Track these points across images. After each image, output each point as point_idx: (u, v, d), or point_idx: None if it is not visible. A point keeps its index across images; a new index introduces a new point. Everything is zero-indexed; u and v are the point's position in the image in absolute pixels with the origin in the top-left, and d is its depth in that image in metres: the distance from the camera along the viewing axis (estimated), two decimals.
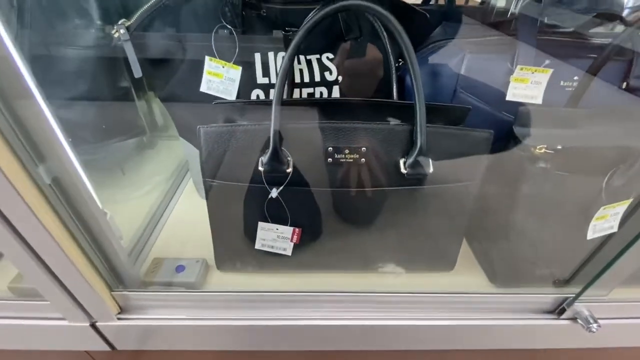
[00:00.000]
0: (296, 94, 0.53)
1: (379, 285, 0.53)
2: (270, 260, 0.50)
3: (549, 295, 0.50)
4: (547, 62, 0.51)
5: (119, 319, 0.48)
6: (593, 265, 0.48)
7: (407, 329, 0.49)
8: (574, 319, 0.49)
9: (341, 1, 0.41)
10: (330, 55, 0.54)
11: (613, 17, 0.52)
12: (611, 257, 0.44)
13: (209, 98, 0.51)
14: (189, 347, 0.51)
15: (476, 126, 0.47)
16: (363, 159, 0.42)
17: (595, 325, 0.47)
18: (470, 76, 0.54)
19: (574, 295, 0.48)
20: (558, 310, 0.50)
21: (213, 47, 0.49)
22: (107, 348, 0.51)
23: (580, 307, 0.48)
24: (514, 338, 0.52)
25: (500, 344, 0.53)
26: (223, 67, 0.50)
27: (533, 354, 0.56)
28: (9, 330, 0.48)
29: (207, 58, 0.49)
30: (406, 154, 0.42)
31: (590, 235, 0.44)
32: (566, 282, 0.51)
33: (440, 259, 0.52)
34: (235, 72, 0.50)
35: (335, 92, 0.55)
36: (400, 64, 0.60)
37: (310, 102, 0.47)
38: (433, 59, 0.57)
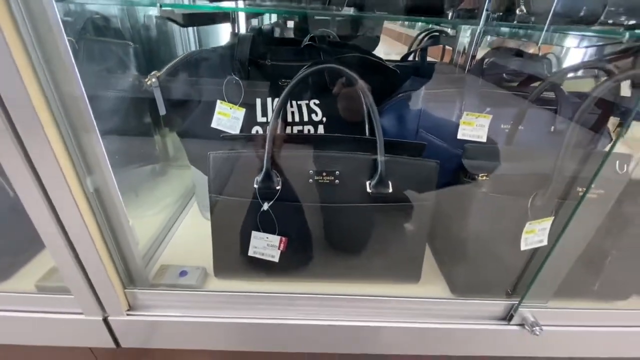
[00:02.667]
0: (288, 130, 0.65)
1: (353, 290, 0.61)
2: (259, 269, 0.59)
3: (500, 303, 0.58)
4: (488, 109, 0.64)
5: (128, 314, 0.55)
6: (533, 274, 0.57)
7: (370, 330, 0.56)
8: (521, 324, 0.57)
9: (324, 64, 0.55)
10: (317, 101, 0.67)
11: (538, 78, 0.66)
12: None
13: (218, 132, 0.63)
14: (186, 345, 0.58)
15: (436, 158, 0.59)
16: (337, 180, 0.52)
17: (537, 328, 0.54)
18: (429, 119, 0.67)
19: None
20: (508, 316, 0.58)
21: (224, 93, 0.63)
22: (112, 345, 0.58)
23: (525, 312, 0.56)
24: (472, 344, 0.59)
25: (458, 350, 0.60)
26: (230, 108, 0.63)
27: None
28: (30, 323, 0.56)
29: (218, 101, 0.62)
30: (371, 177, 0.53)
31: (523, 247, 0.53)
32: (513, 291, 0.59)
33: (406, 271, 0.61)
34: (240, 113, 0.63)
35: (321, 130, 0.67)
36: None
37: (297, 136, 0.59)
38: (401, 105, 0.70)
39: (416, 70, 0.86)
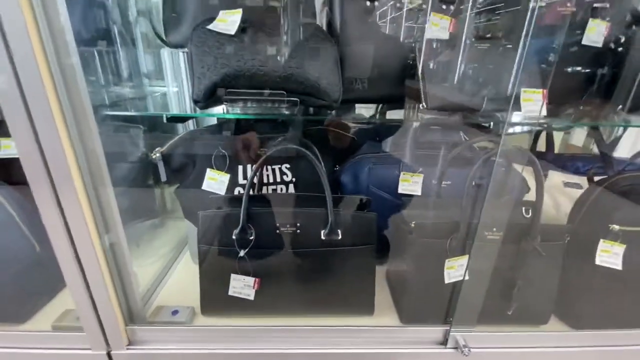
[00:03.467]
0: (264, 189, 0.81)
1: (320, 322, 0.72)
2: (238, 306, 0.71)
3: (438, 329, 0.70)
4: (420, 169, 0.81)
5: (127, 348, 0.66)
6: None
7: (333, 357, 0.67)
8: (455, 347, 0.68)
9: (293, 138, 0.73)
10: (287, 165, 0.84)
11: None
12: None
13: (208, 193, 0.79)
14: None
15: (383, 209, 0.75)
16: (298, 230, 0.67)
17: (466, 350, 0.66)
18: (377, 177, 0.83)
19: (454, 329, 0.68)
20: (444, 341, 0.69)
21: (212, 163, 0.80)
22: None
23: (457, 336, 0.68)
24: None
25: None
26: (218, 174, 0.79)
27: None
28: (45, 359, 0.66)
29: (208, 169, 0.79)
30: (325, 227, 0.68)
31: (447, 280, 0.67)
32: (446, 319, 0.71)
33: (360, 305, 0.73)
34: (225, 177, 0.80)
35: (291, 188, 0.83)
36: (337, 168, 0.91)
37: (268, 196, 0.75)
38: (355, 166, 0.87)
39: (376, 132, 1.04)
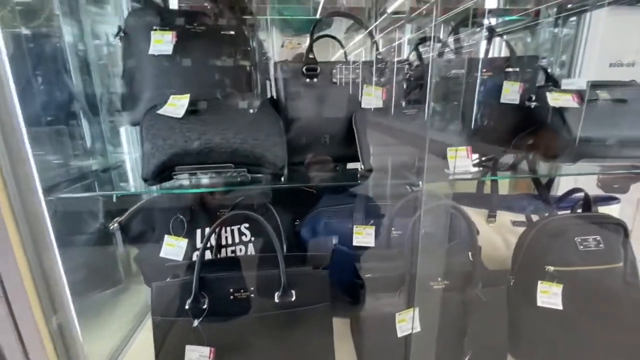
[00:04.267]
0: (223, 252, 0.83)
1: None
2: None
3: None
4: (372, 221, 0.86)
5: None
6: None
7: None
8: None
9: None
10: (247, 225, 0.87)
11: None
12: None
13: (168, 260, 0.80)
14: None
15: (341, 261, 0.78)
16: (252, 295, 0.69)
17: None
18: (332, 231, 0.87)
19: None
20: None
21: (170, 229, 0.82)
22: None
23: None
24: None
25: None
26: (176, 240, 0.81)
27: None
28: None
29: (166, 236, 0.81)
30: (278, 289, 0.69)
31: (399, 334, 0.69)
32: None
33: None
34: (183, 243, 0.81)
35: (250, 248, 0.86)
36: (297, 222, 0.95)
37: (221, 259, 0.77)
38: (314, 220, 0.91)
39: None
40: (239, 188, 0.72)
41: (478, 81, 0.84)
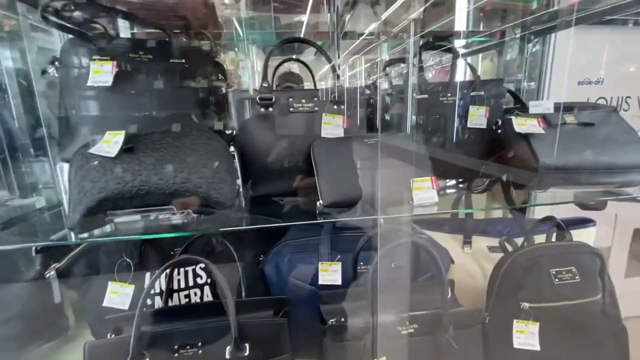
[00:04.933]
0: (175, 297, 0.76)
1: None
2: None
3: None
4: (338, 256, 0.80)
5: None
6: None
7: None
8: None
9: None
10: (202, 265, 0.80)
11: None
12: None
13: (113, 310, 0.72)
14: None
15: (306, 302, 0.71)
16: (200, 351, 0.61)
17: None
18: (296, 268, 0.81)
19: None
20: None
21: (115, 274, 0.74)
22: None
23: None
24: None
25: None
26: (121, 286, 0.73)
27: None
28: None
29: (109, 283, 0.73)
30: (230, 342, 0.62)
31: None
32: None
33: None
34: (129, 289, 0.73)
35: (207, 292, 0.78)
36: (261, 258, 0.88)
37: (169, 309, 0.69)
38: (277, 256, 0.85)
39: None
40: (183, 234, 0.65)
41: (457, 105, 0.81)
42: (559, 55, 1.07)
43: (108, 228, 0.60)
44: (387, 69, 1.06)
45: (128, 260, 0.75)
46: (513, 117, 0.74)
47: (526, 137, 0.72)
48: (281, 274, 0.82)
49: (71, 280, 0.75)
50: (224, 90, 0.85)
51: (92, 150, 0.58)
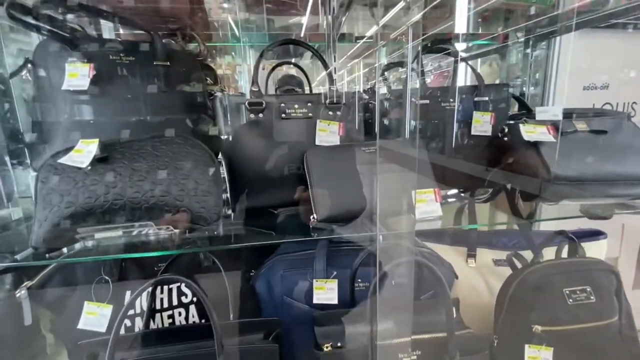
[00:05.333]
0: (157, 318, 0.70)
1: None
2: None
3: None
4: (335, 273, 0.74)
5: None
6: None
7: None
8: None
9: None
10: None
11: None
12: None
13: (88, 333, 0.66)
14: None
15: (300, 322, 0.65)
16: None
17: None
18: (289, 285, 0.75)
19: None
20: None
21: (92, 293, 0.68)
22: None
23: None
24: None
25: None
26: (98, 307, 0.68)
27: None
28: None
29: (86, 302, 0.67)
30: None
31: None
32: None
33: None
34: (107, 310, 0.68)
35: (192, 311, 0.72)
36: (251, 274, 0.82)
37: (149, 332, 0.64)
38: (269, 272, 0.79)
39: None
40: (161, 253, 0.60)
41: (456, 111, 0.76)
42: (564, 59, 1.03)
43: (78, 246, 0.55)
44: (385, 73, 1.02)
45: (106, 277, 0.70)
46: (521, 124, 0.69)
47: (535, 145, 0.67)
48: (273, 291, 0.77)
49: (45, 299, 0.69)
50: (217, 95, 0.80)
51: (62, 160, 0.53)
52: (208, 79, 0.79)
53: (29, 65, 0.64)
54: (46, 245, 0.50)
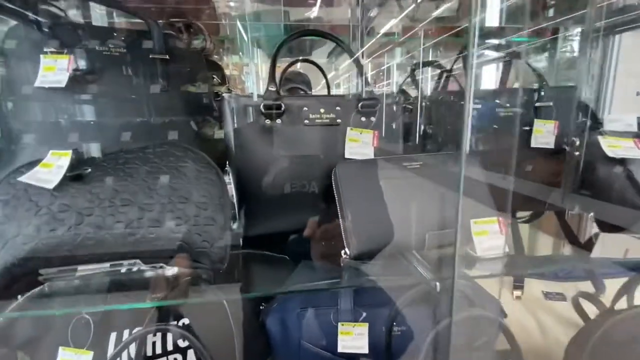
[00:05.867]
0: None
1: None
2: None
3: None
4: (364, 314, 0.61)
5: None
6: None
7: None
8: None
9: None
10: (186, 322, 0.62)
11: None
12: None
13: None
14: None
15: None
16: None
17: None
18: (308, 327, 0.62)
19: None
20: None
21: (69, 336, 0.56)
22: None
23: None
24: None
25: None
26: (75, 354, 0.55)
27: None
28: None
29: (60, 348, 0.55)
30: None
31: None
32: None
33: None
34: (87, 357, 0.55)
35: (191, 356, 0.60)
36: (262, 306, 0.69)
37: None
38: (283, 307, 0.66)
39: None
40: (148, 305, 0.47)
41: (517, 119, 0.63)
42: (625, 60, 0.90)
43: (46, 289, 0.42)
44: (415, 72, 0.89)
45: (87, 316, 0.57)
46: (600, 137, 0.56)
47: (622, 163, 0.54)
48: (288, 333, 0.63)
49: (15, 340, 0.57)
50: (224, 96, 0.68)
51: (24, 177, 0.41)
52: (215, 77, 0.67)
53: None
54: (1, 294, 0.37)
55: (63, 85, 0.49)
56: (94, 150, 0.47)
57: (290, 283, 0.71)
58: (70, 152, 0.42)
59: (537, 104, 0.62)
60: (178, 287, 0.47)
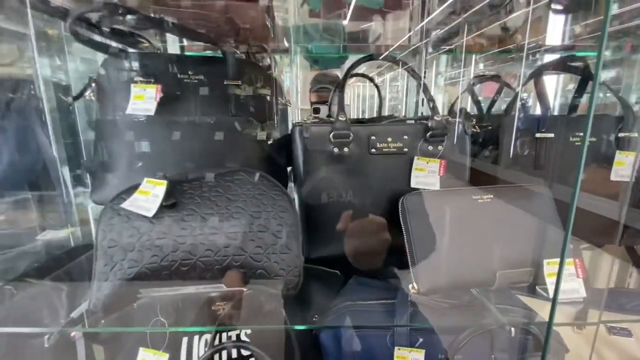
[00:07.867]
0: None
1: None
2: None
3: None
4: (420, 340, 0.61)
5: None
6: None
7: None
8: None
9: None
10: (248, 331, 0.66)
11: None
12: None
13: None
14: None
15: None
16: None
17: None
18: (362, 350, 0.63)
19: None
20: None
21: (147, 339, 0.62)
22: None
23: None
24: None
25: None
26: (154, 354, 0.61)
27: None
28: None
29: (140, 350, 0.61)
30: None
31: None
32: None
33: None
34: (163, 359, 0.60)
35: None
36: (315, 318, 0.71)
37: None
38: (337, 322, 0.68)
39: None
40: (225, 328, 0.50)
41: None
42: None
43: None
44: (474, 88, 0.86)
45: (163, 319, 0.62)
46: None
47: None
48: (342, 351, 0.65)
49: (99, 337, 0.64)
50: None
51: (126, 204, 0.45)
52: (279, 96, 0.69)
53: (93, 85, 0.57)
54: (105, 311, 0.42)
55: (152, 113, 0.54)
56: (180, 176, 0.51)
57: (346, 299, 0.73)
58: (165, 181, 0.46)
59: (619, 134, 0.58)
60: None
